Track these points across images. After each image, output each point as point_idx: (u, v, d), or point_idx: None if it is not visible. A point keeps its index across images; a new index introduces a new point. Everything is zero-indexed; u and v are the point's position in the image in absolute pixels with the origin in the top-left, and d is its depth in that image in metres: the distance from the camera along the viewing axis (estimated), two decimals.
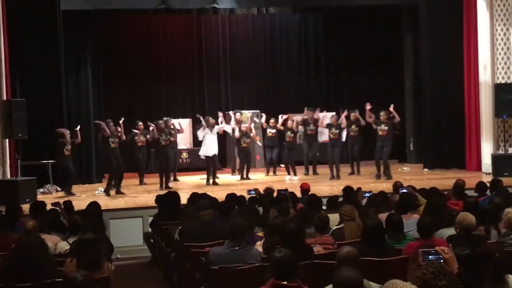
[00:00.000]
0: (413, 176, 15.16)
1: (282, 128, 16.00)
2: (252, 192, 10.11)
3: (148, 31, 18.65)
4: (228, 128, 15.73)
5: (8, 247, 6.31)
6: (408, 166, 17.64)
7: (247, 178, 15.58)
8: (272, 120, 16.18)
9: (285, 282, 4.54)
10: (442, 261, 3.93)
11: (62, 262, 6.05)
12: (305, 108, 15.91)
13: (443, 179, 13.52)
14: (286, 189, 10.17)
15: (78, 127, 14.36)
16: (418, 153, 18.22)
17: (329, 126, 15.33)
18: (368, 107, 15.15)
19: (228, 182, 15.27)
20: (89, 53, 16.68)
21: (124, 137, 14.46)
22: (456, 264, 3.96)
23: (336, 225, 7.37)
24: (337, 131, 15.14)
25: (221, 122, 15.67)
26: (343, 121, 15.20)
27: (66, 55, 15.62)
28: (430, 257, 4.01)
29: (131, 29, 18.41)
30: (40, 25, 15.08)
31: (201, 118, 15.19)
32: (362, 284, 3.84)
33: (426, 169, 16.44)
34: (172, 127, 15.19)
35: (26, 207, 9.71)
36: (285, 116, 16.27)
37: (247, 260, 5.97)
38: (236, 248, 6.04)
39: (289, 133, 15.82)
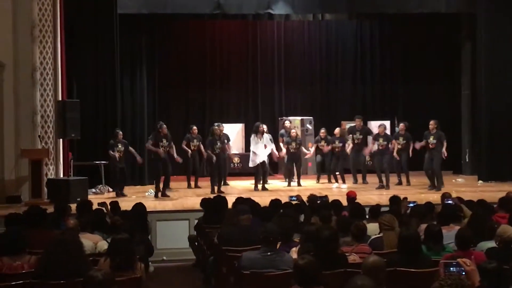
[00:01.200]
0: (466, 188, 14.85)
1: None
2: (294, 198, 10.06)
3: (203, 35, 18.78)
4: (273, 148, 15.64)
5: None
6: (463, 178, 17.26)
7: (299, 184, 15.49)
8: (322, 131, 16.08)
9: None
10: (463, 273, 3.83)
11: (98, 261, 6.14)
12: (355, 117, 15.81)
13: (497, 192, 13.16)
14: (326, 196, 10.08)
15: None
16: (473, 165, 17.83)
17: (376, 137, 15.18)
18: (417, 146, 14.80)
19: (278, 188, 15.23)
20: (145, 57, 16.92)
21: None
22: (478, 277, 3.85)
23: (375, 235, 7.27)
24: (385, 142, 14.95)
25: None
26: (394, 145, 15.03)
27: (122, 58, 15.89)
28: (452, 269, 3.91)
29: (186, 33, 18.57)
30: (97, 28, 15.42)
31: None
32: None
33: (480, 181, 16.08)
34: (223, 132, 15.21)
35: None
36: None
37: (279, 266, 5.93)
38: (269, 253, 6.02)
39: (337, 142, 15.74)
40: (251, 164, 15.04)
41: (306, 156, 16.30)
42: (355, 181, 15.73)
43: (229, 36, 18.97)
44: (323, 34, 19.39)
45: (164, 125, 14.24)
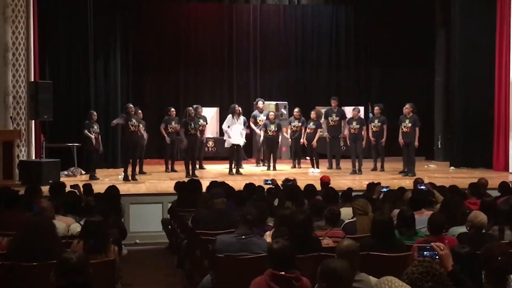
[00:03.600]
0: (438, 174, 14.98)
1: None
2: (269, 181, 10.08)
3: (178, 18, 18.63)
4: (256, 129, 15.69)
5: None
6: (435, 164, 17.43)
7: (274, 169, 15.50)
8: (296, 110, 16.06)
9: (283, 273, 4.51)
10: (437, 257, 3.86)
11: (70, 244, 6.09)
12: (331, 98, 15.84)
13: (468, 178, 13.27)
14: (294, 179, 10.10)
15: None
16: (445, 151, 18.00)
17: (349, 121, 15.21)
18: None
19: (252, 173, 15.23)
20: (119, 38, 16.76)
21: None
22: (451, 261, 3.88)
23: (349, 219, 7.31)
24: (358, 125, 15.02)
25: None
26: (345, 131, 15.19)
27: (96, 39, 15.77)
28: (425, 253, 3.94)
29: (161, 16, 18.35)
30: (71, 9, 15.27)
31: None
32: (348, 276, 3.78)
33: (452, 168, 16.26)
34: (201, 115, 15.14)
35: (47, 189, 9.82)
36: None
37: (253, 249, 5.93)
38: (243, 237, 6.01)
39: (311, 124, 15.72)
40: (226, 145, 14.99)
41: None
42: (330, 166, 15.77)
43: (204, 20, 18.84)
44: (299, 19, 19.36)
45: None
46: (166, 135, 15.14)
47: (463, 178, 13.71)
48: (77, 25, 15.40)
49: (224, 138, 15.13)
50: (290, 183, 9.71)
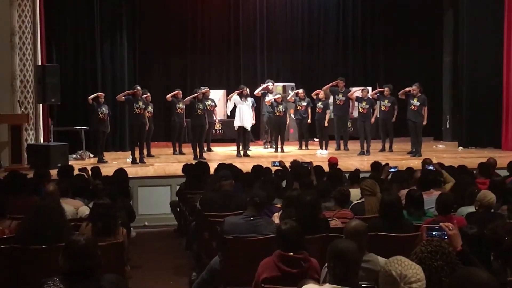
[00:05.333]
0: (447, 154, 14.95)
1: (314, 97, 15.86)
2: (277, 163, 10.06)
3: (185, 0, 18.53)
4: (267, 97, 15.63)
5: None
6: (444, 144, 17.39)
7: (282, 151, 15.48)
8: (301, 91, 16.00)
9: (291, 254, 4.51)
10: (446, 237, 3.84)
11: (79, 226, 6.11)
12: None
13: (477, 158, 13.24)
14: (311, 162, 10.05)
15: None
16: (454, 131, 17.94)
17: (358, 99, 15.13)
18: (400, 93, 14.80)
19: (260, 154, 15.23)
20: (125, 21, 16.71)
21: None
22: (460, 241, 3.86)
23: (357, 200, 7.30)
24: (368, 105, 14.94)
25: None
26: (373, 94, 15.08)
27: (102, 22, 15.75)
28: (433, 233, 3.91)
29: None
30: None
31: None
32: (356, 256, 3.77)
33: (461, 147, 16.23)
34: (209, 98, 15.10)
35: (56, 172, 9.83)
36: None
37: (262, 231, 5.93)
38: (251, 218, 6.01)
39: (319, 104, 15.67)
40: (236, 123, 14.91)
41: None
42: (338, 148, 15.75)
43: (211, 1, 18.72)
44: (306, 0, 19.22)
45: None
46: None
47: (472, 158, 13.69)
48: (84, 8, 15.37)
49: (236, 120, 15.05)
50: (307, 165, 9.64)
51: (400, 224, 6.00)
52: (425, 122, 14.37)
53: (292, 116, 16.42)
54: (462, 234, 4.01)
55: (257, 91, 15.76)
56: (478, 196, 6.22)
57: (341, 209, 6.79)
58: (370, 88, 16.48)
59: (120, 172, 9.36)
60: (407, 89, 14.47)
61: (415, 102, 14.27)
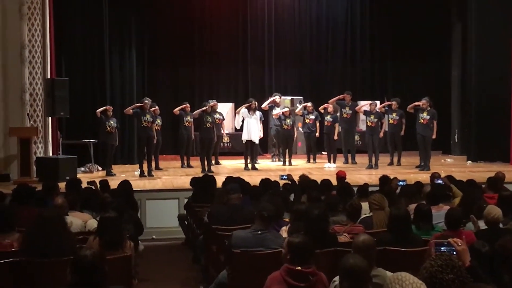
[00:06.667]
0: (455, 168, 14.88)
1: (322, 111, 15.86)
2: (285, 177, 10.05)
3: (193, 12, 18.44)
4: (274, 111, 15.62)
5: None
6: (452, 158, 17.34)
7: (290, 164, 15.46)
8: (309, 104, 16.01)
9: (299, 268, 4.49)
10: (454, 253, 3.82)
11: (87, 240, 6.11)
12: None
13: (485, 172, 13.19)
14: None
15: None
16: (462, 145, 17.89)
17: (367, 113, 15.12)
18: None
19: (268, 168, 15.22)
20: (134, 34, 16.82)
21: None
22: (469, 257, 3.84)
23: (365, 214, 7.28)
24: (376, 119, 14.92)
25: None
26: (381, 107, 15.07)
27: (111, 36, 15.84)
28: (442, 248, 3.90)
29: (176, 10, 18.21)
30: (85, 5, 15.29)
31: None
32: (367, 272, 3.76)
33: (469, 162, 16.16)
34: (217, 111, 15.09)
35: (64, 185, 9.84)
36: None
37: (269, 245, 5.92)
38: (259, 232, 6.00)
39: (328, 117, 15.66)
40: (244, 137, 14.93)
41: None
42: (346, 161, 15.73)
43: (219, 14, 18.71)
44: (314, 12, 19.23)
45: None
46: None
47: (480, 172, 13.62)
48: (93, 22, 15.46)
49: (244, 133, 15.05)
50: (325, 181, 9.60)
51: (409, 238, 5.97)
52: (434, 136, 14.36)
53: (300, 129, 16.44)
54: (475, 252, 3.98)
55: (264, 105, 15.78)
56: (484, 212, 6.19)
57: (353, 224, 6.78)
58: (378, 102, 16.48)
59: (124, 184, 9.34)
60: (416, 103, 14.45)
61: (424, 115, 14.24)
